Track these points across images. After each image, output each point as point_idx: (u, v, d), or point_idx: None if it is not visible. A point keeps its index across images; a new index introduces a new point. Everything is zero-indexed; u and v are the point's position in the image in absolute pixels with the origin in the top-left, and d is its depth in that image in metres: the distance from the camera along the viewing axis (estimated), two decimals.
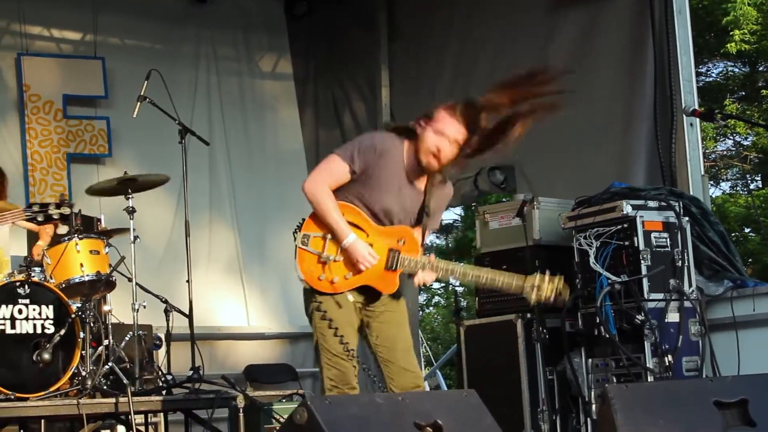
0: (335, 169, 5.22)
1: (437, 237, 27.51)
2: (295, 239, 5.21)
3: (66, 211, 5.84)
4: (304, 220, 5.24)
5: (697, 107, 6.07)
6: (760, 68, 21.76)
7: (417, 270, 5.22)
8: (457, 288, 26.04)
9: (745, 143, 22.20)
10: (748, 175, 23.15)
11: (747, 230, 19.28)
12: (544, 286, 5.13)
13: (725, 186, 22.45)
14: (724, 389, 4.26)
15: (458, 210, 20.29)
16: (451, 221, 26.13)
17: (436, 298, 27.93)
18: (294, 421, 3.55)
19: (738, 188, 23.01)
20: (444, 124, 5.12)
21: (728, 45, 19.03)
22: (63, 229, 6.23)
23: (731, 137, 22.36)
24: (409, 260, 5.20)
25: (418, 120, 5.23)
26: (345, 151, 5.22)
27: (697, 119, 7.97)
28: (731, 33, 19.08)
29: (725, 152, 22.49)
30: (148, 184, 7.33)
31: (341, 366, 5.25)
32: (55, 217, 5.88)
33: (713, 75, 21.79)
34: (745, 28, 19.17)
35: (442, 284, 27.90)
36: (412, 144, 5.22)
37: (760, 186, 22.19)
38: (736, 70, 22.25)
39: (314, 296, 5.24)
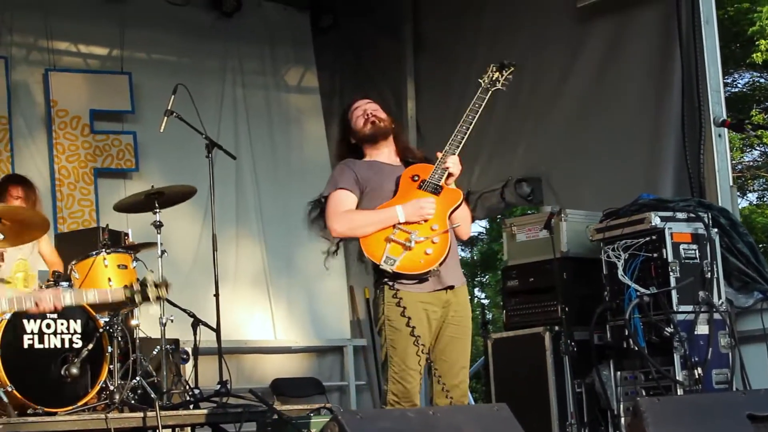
0: (337, 199, 5.42)
1: (462, 249, 27.53)
2: (387, 275, 5.19)
3: (164, 294, 5.21)
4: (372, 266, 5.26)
5: (726, 118, 6.01)
6: None
7: (444, 168, 5.33)
8: (483, 301, 26.03)
9: None
10: None
11: None
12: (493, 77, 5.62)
13: (752, 197, 22.34)
14: (757, 402, 4.22)
15: (483, 222, 20.26)
16: (476, 234, 26.11)
17: None
18: None
19: (765, 199, 22.90)
20: (354, 107, 5.68)
21: (754, 55, 18.94)
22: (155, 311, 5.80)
23: (758, 148, 22.26)
24: (434, 173, 5.33)
25: (343, 142, 5.70)
26: (332, 184, 5.46)
27: (726, 130, 7.93)
28: (757, 43, 19.01)
29: (752, 163, 22.38)
30: (175, 197, 7.34)
31: (406, 382, 5.19)
32: (152, 298, 5.20)
33: (739, 85, 21.71)
34: None
35: (469, 297, 27.84)
36: (364, 155, 5.56)
37: None
38: (763, 80, 22.16)
39: (394, 298, 5.22)
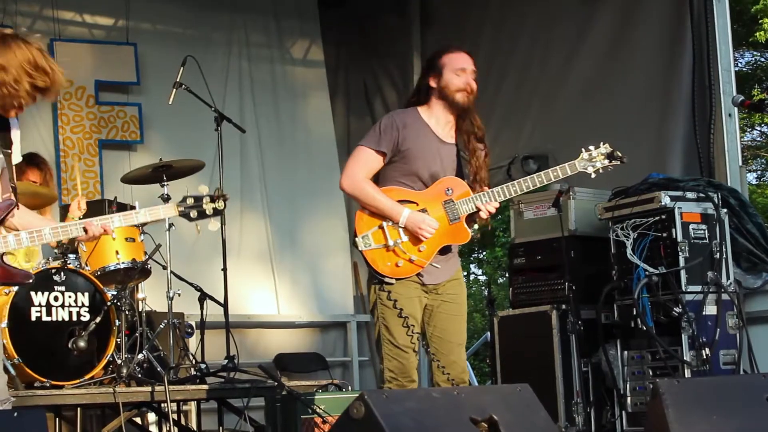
0: (365, 158, 5.38)
1: None
2: (357, 248, 5.24)
3: (220, 206, 4.97)
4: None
5: (744, 97, 5.98)
6: None
7: (476, 207, 5.29)
8: (482, 278, 26.01)
9: None
10: None
11: None
12: (595, 155, 5.41)
13: (751, 177, 22.34)
14: None
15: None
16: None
17: None
18: (350, 416, 3.51)
19: (765, 179, 22.91)
20: (459, 61, 5.40)
21: (757, 34, 18.91)
22: (214, 226, 5.11)
23: (758, 128, 22.25)
24: (465, 202, 5.31)
25: (424, 79, 5.46)
26: (368, 138, 5.40)
27: (736, 109, 7.91)
28: (760, 21, 18.96)
29: (751, 143, 22.38)
30: (183, 171, 7.29)
31: (403, 358, 5.24)
32: (208, 213, 4.98)
33: (740, 64, 21.68)
34: None
35: (465, 274, 27.88)
36: (427, 105, 5.43)
37: None
38: (765, 59, 22.13)
39: (382, 285, 5.25)
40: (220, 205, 4.99)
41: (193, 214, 4.96)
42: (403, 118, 5.40)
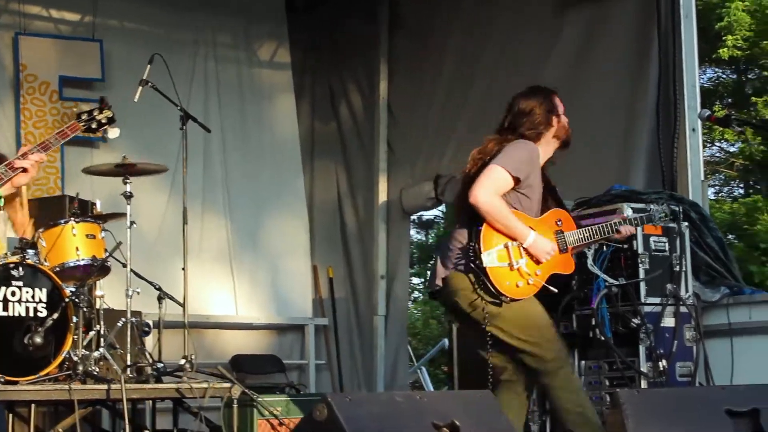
0: (501, 178, 5.62)
1: (418, 232, 27.55)
2: (477, 264, 5.45)
3: (109, 113, 6.24)
4: (473, 247, 5.49)
5: (711, 112, 6.03)
6: (750, 75, 21.85)
7: (584, 242, 5.88)
8: None
9: (732, 150, 22.28)
10: (733, 182, 23.24)
11: (731, 236, 19.34)
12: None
13: (710, 192, 22.48)
14: (736, 398, 4.23)
15: (442, 207, 20.24)
16: (432, 217, 26.15)
17: (416, 294, 27.89)
18: (313, 418, 3.50)
19: (722, 194, 23.10)
20: (561, 107, 5.98)
21: (720, 50, 19.10)
22: (114, 133, 6.47)
23: (717, 144, 22.43)
24: (572, 234, 5.81)
25: (549, 118, 5.89)
26: (507, 162, 5.66)
27: (700, 124, 7.96)
28: (724, 38, 19.14)
29: (710, 158, 22.56)
30: (145, 171, 7.25)
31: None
32: (104, 121, 6.25)
33: (703, 80, 21.87)
34: (738, 34, 19.24)
35: (422, 280, 27.90)
36: (538, 142, 5.85)
37: (743, 193, 22.29)
38: (726, 76, 22.34)
39: (500, 302, 5.54)
40: (108, 113, 6.17)
41: (94, 125, 6.18)
42: (534, 154, 5.77)
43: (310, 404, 3.93)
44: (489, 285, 5.46)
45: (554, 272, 5.69)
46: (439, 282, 5.71)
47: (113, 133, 6.42)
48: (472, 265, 5.46)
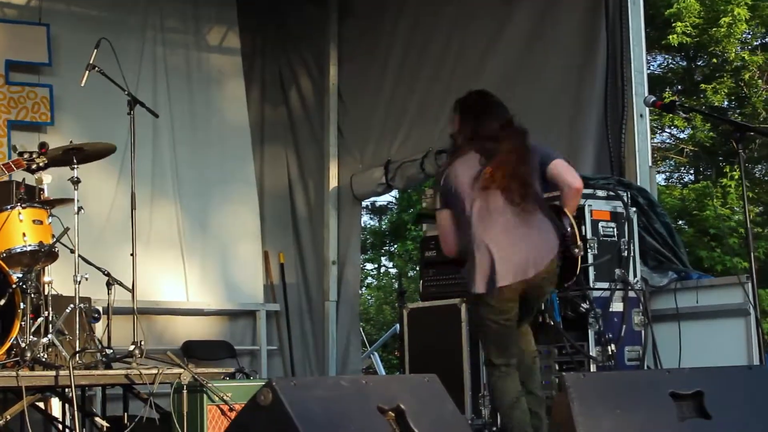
0: None
1: (371, 218, 27.58)
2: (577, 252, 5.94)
3: (44, 160, 6.67)
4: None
5: (656, 98, 6.07)
6: (699, 62, 22.00)
7: None
8: (394, 271, 26.10)
9: (681, 136, 22.44)
10: (683, 168, 23.41)
11: (681, 222, 19.50)
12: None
13: (660, 178, 22.67)
14: (680, 381, 4.27)
15: (394, 192, 20.25)
16: (385, 203, 26.18)
17: (369, 279, 27.94)
18: (258, 402, 3.50)
19: (672, 180, 23.27)
20: None
21: (670, 37, 19.21)
22: (47, 179, 6.78)
23: (668, 130, 22.59)
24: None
25: None
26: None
27: (647, 110, 8.01)
28: (673, 25, 19.26)
29: (660, 144, 22.71)
30: (94, 154, 7.19)
31: None
32: (41, 165, 6.67)
33: (653, 67, 22.00)
34: (687, 21, 19.37)
35: (375, 266, 27.94)
36: None
37: (693, 179, 22.46)
38: (676, 62, 22.48)
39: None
40: (44, 159, 6.58)
41: (34, 166, 6.62)
42: None
43: None
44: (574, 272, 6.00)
45: None
46: (537, 270, 5.80)
47: (47, 179, 7.09)
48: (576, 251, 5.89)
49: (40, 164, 6.62)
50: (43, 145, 6.70)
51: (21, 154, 6.60)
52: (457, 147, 6.05)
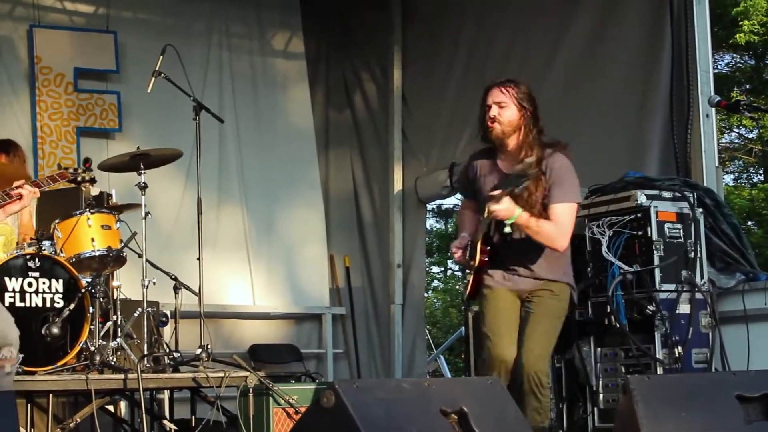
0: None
1: (437, 221, 27.57)
2: None
3: (92, 174, 6.78)
4: None
5: (720, 98, 6.02)
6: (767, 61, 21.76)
7: None
8: (460, 274, 26.05)
9: (750, 136, 22.20)
10: (751, 168, 23.15)
11: (750, 223, 19.29)
12: None
13: (728, 178, 22.45)
14: (747, 383, 4.23)
15: (459, 195, 20.24)
16: (451, 206, 26.15)
17: (435, 282, 27.94)
18: (321, 404, 3.52)
19: (741, 181, 23.02)
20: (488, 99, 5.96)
21: (737, 36, 19.00)
22: (95, 191, 6.88)
23: (736, 130, 22.35)
24: None
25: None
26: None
27: (713, 110, 7.94)
28: (740, 24, 19.05)
29: (729, 144, 22.48)
30: (160, 159, 7.26)
31: None
32: (86, 179, 6.73)
33: (720, 66, 21.77)
34: (754, 19, 19.15)
35: (441, 269, 27.93)
36: None
37: (763, 179, 22.20)
38: (744, 62, 22.23)
39: None
40: (92, 174, 6.76)
41: (78, 178, 6.69)
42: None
43: None
44: None
45: None
46: None
47: (94, 191, 7.28)
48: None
49: (86, 177, 6.73)
50: (87, 161, 6.86)
51: (67, 168, 6.77)
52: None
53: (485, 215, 5.73)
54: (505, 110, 5.86)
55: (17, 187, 6.16)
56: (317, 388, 6.00)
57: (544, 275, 5.89)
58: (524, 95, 5.93)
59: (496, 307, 5.87)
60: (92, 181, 6.82)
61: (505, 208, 5.65)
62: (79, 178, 6.72)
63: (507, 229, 5.70)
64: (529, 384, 5.63)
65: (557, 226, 5.74)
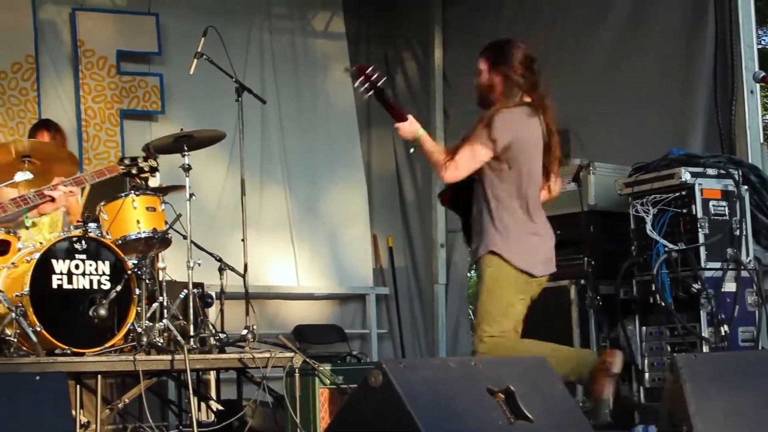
0: None
1: None
2: None
3: (153, 163, 6.47)
4: None
5: (765, 73, 5.97)
6: None
7: None
8: None
9: None
10: None
11: None
12: None
13: None
14: None
15: None
16: None
17: None
18: (369, 384, 3.54)
19: None
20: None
21: None
22: (154, 182, 6.61)
23: None
24: None
25: None
26: None
27: (758, 86, 7.87)
28: None
29: None
30: (204, 141, 7.28)
31: None
32: (146, 169, 6.51)
33: (765, 42, 21.52)
34: None
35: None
36: None
37: None
38: None
39: None
40: (153, 162, 6.46)
41: (134, 170, 6.47)
42: None
43: None
44: None
45: None
46: None
47: (153, 182, 6.72)
48: None
49: (145, 167, 6.56)
50: (147, 148, 6.82)
51: (121, 160, 6.61)
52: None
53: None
54: (480, 77, 6.08)
55: (53, 187, 6.23)
56: (363, 368, 6.00)
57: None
58: (497, 60, 6.09)
59: None
60: (153, 170, 6.62)
61: (408, 128, 5.93)
62: (135, 170, 6.55)
63: (412, 150, 6.09)
64: None
65: (451, 160, 5.90)
